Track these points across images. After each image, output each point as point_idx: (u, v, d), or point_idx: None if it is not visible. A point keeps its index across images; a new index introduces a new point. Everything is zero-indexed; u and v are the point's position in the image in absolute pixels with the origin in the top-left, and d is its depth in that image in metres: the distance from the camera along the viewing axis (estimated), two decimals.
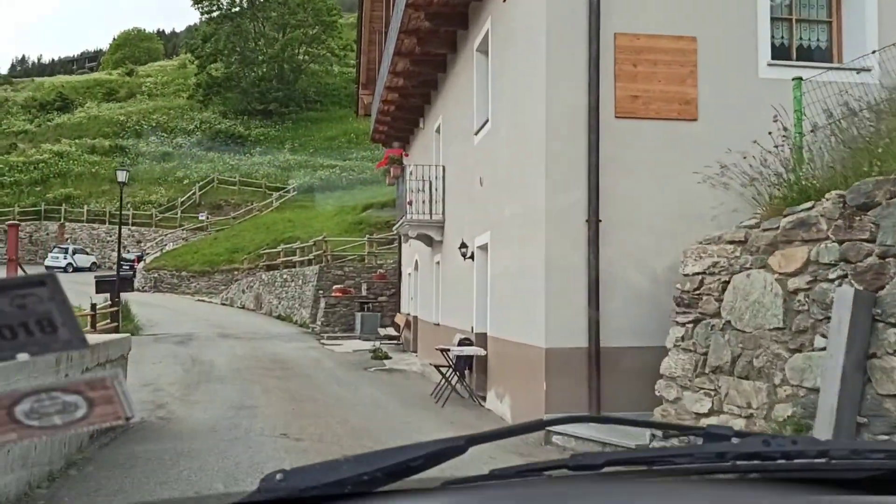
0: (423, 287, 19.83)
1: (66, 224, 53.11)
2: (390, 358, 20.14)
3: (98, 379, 0.83)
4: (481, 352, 12.34)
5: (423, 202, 16.83)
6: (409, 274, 22.66)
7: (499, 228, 11.76)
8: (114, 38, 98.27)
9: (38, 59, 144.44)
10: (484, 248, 12.79)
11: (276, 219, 46.80)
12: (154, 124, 62.25)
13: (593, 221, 9.25)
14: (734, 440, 1.12)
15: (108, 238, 52.19)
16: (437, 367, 13.12)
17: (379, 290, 27.50)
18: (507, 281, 11.21)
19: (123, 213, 52.23)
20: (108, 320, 25.46)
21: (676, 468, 1.08)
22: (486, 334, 12.50)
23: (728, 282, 7.40)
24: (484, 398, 12.46)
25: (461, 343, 13.06)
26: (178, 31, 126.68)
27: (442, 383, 12.88)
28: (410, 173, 16.80)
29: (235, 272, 40.76)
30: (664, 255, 9.15)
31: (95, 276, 26.54)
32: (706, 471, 1.09)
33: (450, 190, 16.24)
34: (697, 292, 7.73)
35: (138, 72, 75.35)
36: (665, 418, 7.84)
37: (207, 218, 49.73)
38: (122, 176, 25.70)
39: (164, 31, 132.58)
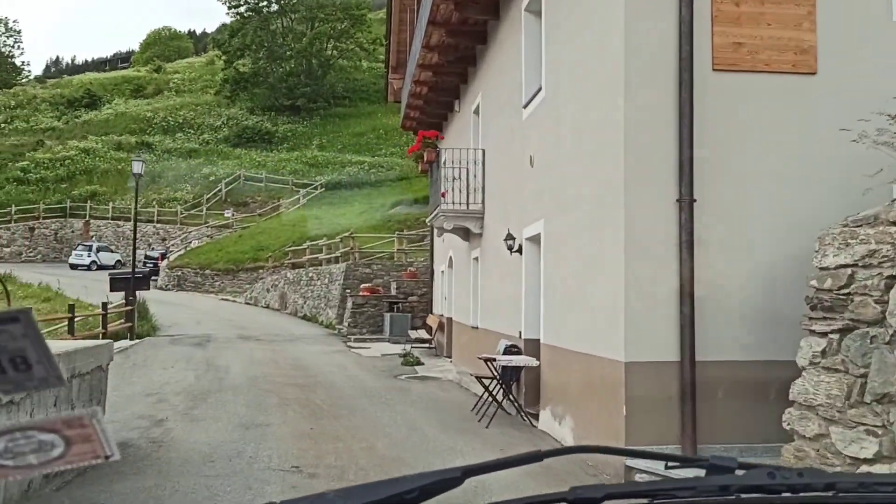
0: (458, 286, 17.85)
1: (92, 221, 51.85)
2: (422, 364, 18.19)
3: (75, 417, 0.81)
4: (533, 362, 10.33)
5: (460, 191, 14.84)
6: (443, 272, 20.70)
7: (556, 215, 9.75)
8: (145, 38, 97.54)
9: (72, 60, 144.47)
10: (535, 239, 10.79)
11: (302, 216, 45.10)
12: (181, 120, 60.92)
13: (686, 202, 7.20)
14: (738, 472, 1.10)
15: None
16: (478, 378, 11.14)
17: (409, 289, 25.57)
18: (567, 278, 9.19)
19: (148, 209, 51.22)
20: (123, 320, 23.80)
21: (678, 502, 1.05)
22: (538, 341, 10.50)
23: (895, 277, 5.34)
24: (535, 416, 10.45)
25: (507, 351, 11.06)
26: (209, 31, 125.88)
27: (485, 397, 10.91)
28: (445, 160, 14.82)
29: (260, 270, 39.09)
30: (783, 242, 7.09)
31: (110, 274, 24.92)
32: None
33: (490, 176, 14.25)
34: (845, 291, 5.66)
35: (166, 68, 74.20)
36: (801, 460, 5.79)
37: (233, 215, 48.16)
38: (137, 167, 24.00)
39: (195, 31, 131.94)
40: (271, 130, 58.82)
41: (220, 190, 51.17)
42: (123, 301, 24.26)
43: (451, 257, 19.05)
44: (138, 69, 77.20)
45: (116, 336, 23.65)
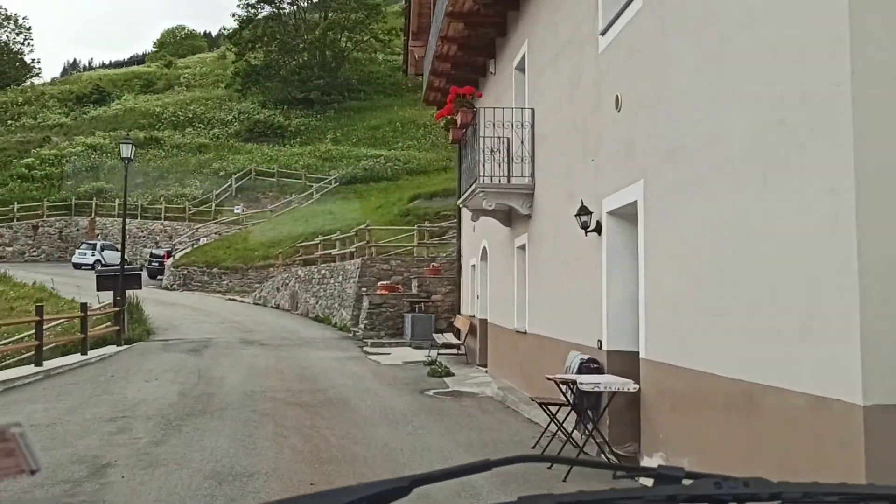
0: (496, 282, 14.68)
1: (97, 219, 49.00)
2: (452, 374, 15.02)
3: None
4: (630, 385, 7.12)
5: (500, 163, 11.67)
6: (473, 266, 17.53)
7: (667, 170, 6.56)
8: (159, 37, 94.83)
9: (89, 63, 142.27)
10: (625, 211, 7.62)
11: (315, 211, 42.06)
12: (191, 115, 58.03)
13: None
14: (686, 482, 1.07)
15: (140, 233, 47.95)
16: (543, 404, 7.96)
17: (432, 286, 22.41)
18: (697, 259, 6.00)
19: (155, 206, 48.33)
20: (110, 323, 20.78)
21: None
22: (632, 355, 7.32)
23: None
24: (633, 462, 7.25)
25: (585, 368, 7.88)
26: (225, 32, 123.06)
27: (551, 429, 7.76)
28: (483, 122, 11.62)
29: (270, 269, 36.04)
30: None
31: (96, 271, 21.92)
32: None
33: (543, 141, 11.07)
34: None
35: (177, 64, 71.33)
36: None
37: (243, 211, 45.15)
38: (126, 150, 20.93)
39: (210, 32, 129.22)
40: (284, 124, 55.78)
41: (230, 185, 48.19)
42: (113, 301, 21.22)
43: (484, 248, 15.88)
44: (149, 65, 74.40)
45: (104, 341, 20.70)
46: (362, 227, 26.64)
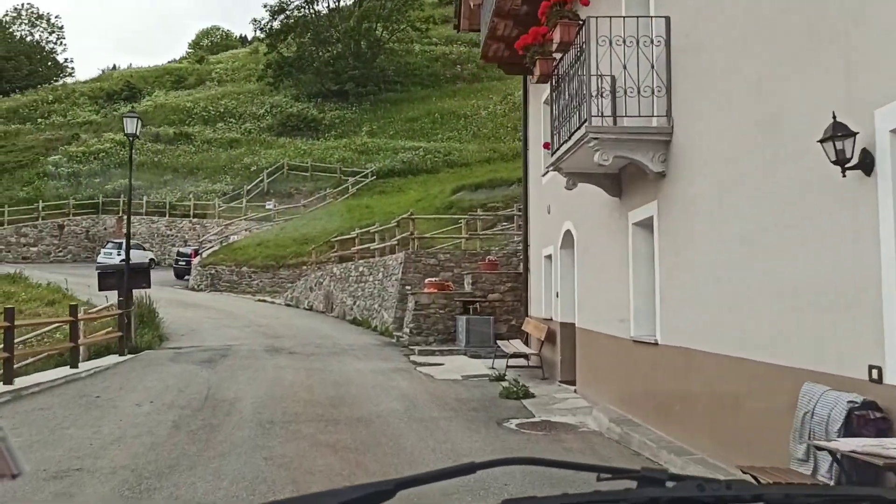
0: (590, 275, 10.99)
1: (125, 218, 46.00)
2: (532, 396, 11.34)
3: None
4: None
5: (621, 97, 7.96)
6: (548, 257, 13.85)
7: None
8: (194, 37, 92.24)
9: (129, 67, 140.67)
10: None
11: (351, 205, 38.66)
12: (222, 110, 55.02)
13: None
14: (669, 484, 1.05)
15: (168, 232, 44.96)
16: (754, 474, 4.27)
17: (489, 284, 18.75)
18: None
19: (184, 203, 45.23)
20: (113, 328, 17.41)
21: None
22: None
23: None
24: None
25: (861, 420, 4.16)
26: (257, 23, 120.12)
27: None
28: (578, 57, 7.93)
29: (303, 267, 32.65)
30: None
31: (97, 268, 18.59)
32: None
33: (694, 55, 7.34)
34: None
35: (209, 59, 68.44)
36: None
37: (275, 207, 41.87)
38: (130, 125, 17.52)
39: (245, 36, 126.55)
40: (317, 117, 52.47)
41: (261, 181, 44.97)
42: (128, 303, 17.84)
43: (568, 232, 12.19)
44: (180, 61, 71.65)
45: (107, 349, 17.36)
46: (405, 215, 23.00)
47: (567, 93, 8.57)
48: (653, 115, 7.75)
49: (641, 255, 8.67)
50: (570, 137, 8.39)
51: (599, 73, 7.79)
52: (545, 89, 13.99)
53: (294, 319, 24.85)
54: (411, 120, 51.12)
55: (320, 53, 54.74)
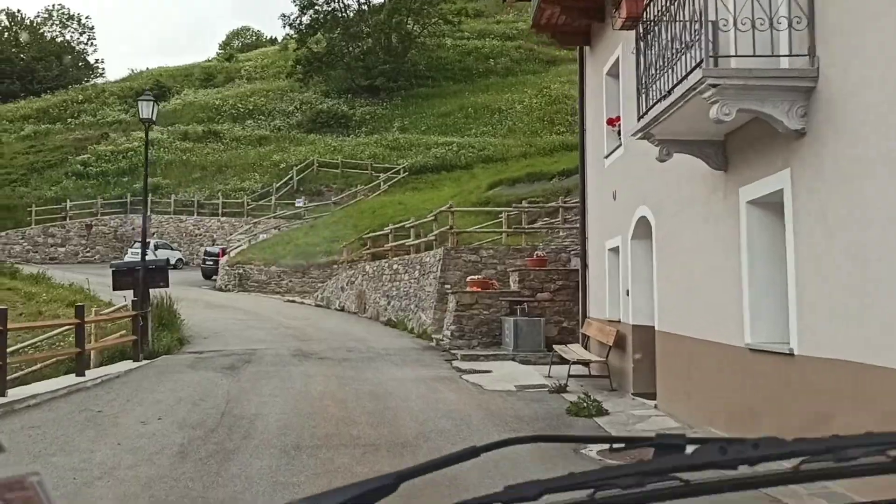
0: (678, 269, 9.10)
1: (153, 216, 44.81)
2: (606, 413, 9.49)
3: (15, 481, 0.73)
4: None
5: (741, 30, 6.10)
6: (614, 249, 11.98)
7: None
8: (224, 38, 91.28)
9: (158, 67, 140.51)
10: None
11: (384, 202, 36.99)
12: (251, 107, 53.73)
13: None
14: (689, 449, 0.95)
15: (197, 231, 43.70)
16: None
17: (538, 282, 16.90)
18: None
19: (213, 201, 43.89)
20: (128, 331, 15.82)
21: (623, 493, 0.91)
22: None
23: None
24: None
25: None
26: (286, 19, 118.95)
27: None
28: None
29: (334, 265, 31.03)
30: None
31: (111, 266, 17.08)
32: (657, 495, 0.91)
33: None
34: None
35: (237, 57, 67.29)
36: None
37: (304, 204, 40.37)
38: (146, 109, 15.84)
39: (276, 38, 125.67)
40: (348, 114, 50.95)
41: (291, 178, 43.51)
42: (144, 304, 16.25)
43: (643, 219, 10.33)
44: (209, 59, 70.57)
45: (122, 354, 15.78)
46: (444, 208, 21.21)
47: (666, 35, 6.72)
48: (787, 54, 5.87)
49: (760, 241, 6.80)
50: (670, 91, 6.54)
51: None
52: (608, 59, 12.15)
53: (324, 321, 23.19)
54: (444, 115, 49.43)
55: (350, 48, 53.23)
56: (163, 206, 44.66)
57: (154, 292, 16.82)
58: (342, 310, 26.68)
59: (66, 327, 14.14)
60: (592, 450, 7.62)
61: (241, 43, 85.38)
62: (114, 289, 16.02)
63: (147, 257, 37.37)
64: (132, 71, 75.05)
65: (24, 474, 0.74)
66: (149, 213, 44.12)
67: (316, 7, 53.26)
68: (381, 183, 40.83)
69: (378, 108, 51.54)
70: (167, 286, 16.34)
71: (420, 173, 41.60)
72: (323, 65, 52.92)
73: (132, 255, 39.09)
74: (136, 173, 47.58)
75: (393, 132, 47.73)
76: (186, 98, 57.92)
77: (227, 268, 33.72)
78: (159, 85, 61.20)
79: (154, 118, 16.21)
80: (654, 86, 7.22)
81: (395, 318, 21.90)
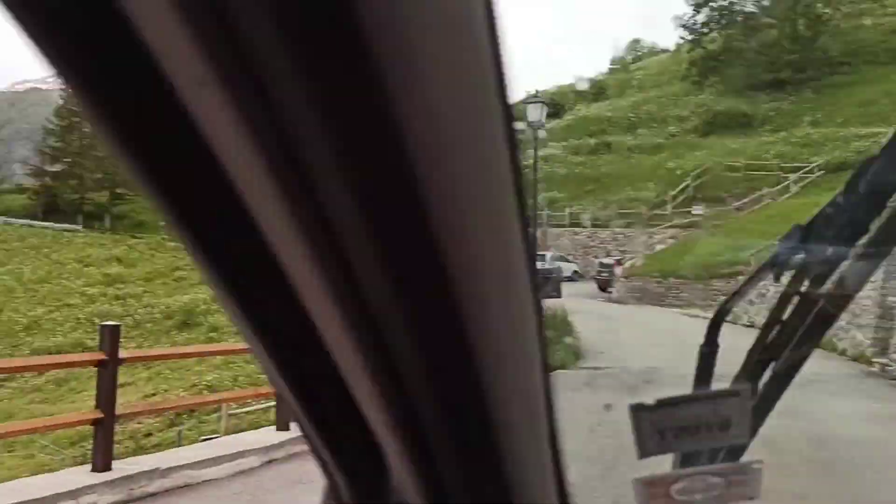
0: None
1: (549, 230, 45.47)
2: None
3: (741, 466, 0.88)
4: None
5: None
6: None
7: None
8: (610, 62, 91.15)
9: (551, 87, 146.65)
10: None
11: (795, 206, 32.56)
12: (643, 116, 52.18)
13: None
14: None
15: (591, 243, 43.18)
16: None
17: None
18: None
19: (605, 212, 43.06)
20: None
21: None
22: None
23: None
24: None
25: None
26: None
27: None
28: None
29: (739, 276, 27.80)
30: None
31: None
32: None
33: None
34: None
35: (629, 68, 66.34)
36: None
37: (703, 212, 37.50)
38: (534, 112, 14.91)
39: (667, 49, 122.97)
40: (748, 113, 46.71)
41: (686, 185, 40.88)
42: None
43: None
44: (601, 74, 70.75)
45: None
46: None
47: None
48: None
49: None
50: None
51: None
52: None
53: (729, 337, 20.35)
54: (866, 104, 42.76)
55: (750, 42, 48.85)
56: (557, 219, 45.07)
57: (547, 304, 15.94)
58: (751, 325, 23.48)
59: None
60: None
61: (633, 55, 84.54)
62: None
63: (541, 268, 37.60)
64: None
65: (749, 461, 0.84)
66: (545, 227, 44.99)
67: (711, 4, 49.95)
68: (791, 185, 36.31)
69: (783, 103, 46.50)
70: (559, 296, 15.27)
71: (839, 171, 36.16)
72: (719, 63, 49.36)
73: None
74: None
75: (803, 127, 42.55)
76: (579, 113, 58.41)
77: (622, 279, 32.41)
78: (553, 103, 62.81)
79: (543, 120, 15.32)
80: None
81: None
